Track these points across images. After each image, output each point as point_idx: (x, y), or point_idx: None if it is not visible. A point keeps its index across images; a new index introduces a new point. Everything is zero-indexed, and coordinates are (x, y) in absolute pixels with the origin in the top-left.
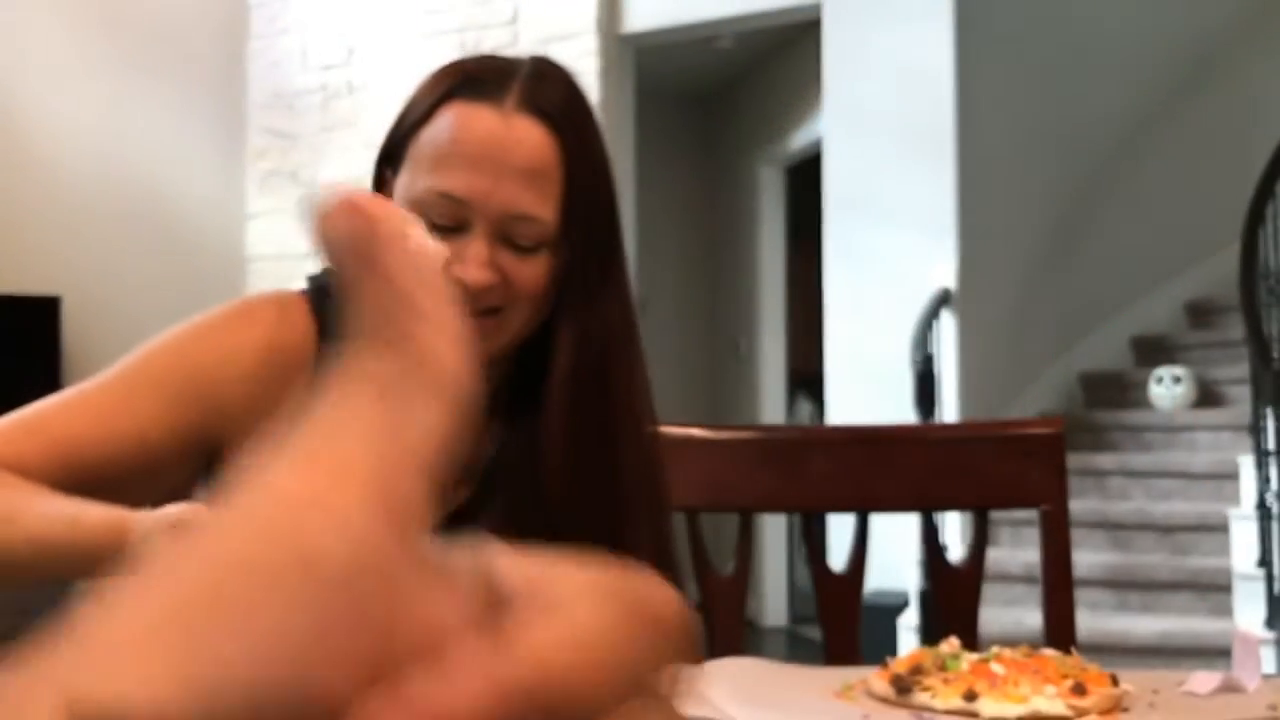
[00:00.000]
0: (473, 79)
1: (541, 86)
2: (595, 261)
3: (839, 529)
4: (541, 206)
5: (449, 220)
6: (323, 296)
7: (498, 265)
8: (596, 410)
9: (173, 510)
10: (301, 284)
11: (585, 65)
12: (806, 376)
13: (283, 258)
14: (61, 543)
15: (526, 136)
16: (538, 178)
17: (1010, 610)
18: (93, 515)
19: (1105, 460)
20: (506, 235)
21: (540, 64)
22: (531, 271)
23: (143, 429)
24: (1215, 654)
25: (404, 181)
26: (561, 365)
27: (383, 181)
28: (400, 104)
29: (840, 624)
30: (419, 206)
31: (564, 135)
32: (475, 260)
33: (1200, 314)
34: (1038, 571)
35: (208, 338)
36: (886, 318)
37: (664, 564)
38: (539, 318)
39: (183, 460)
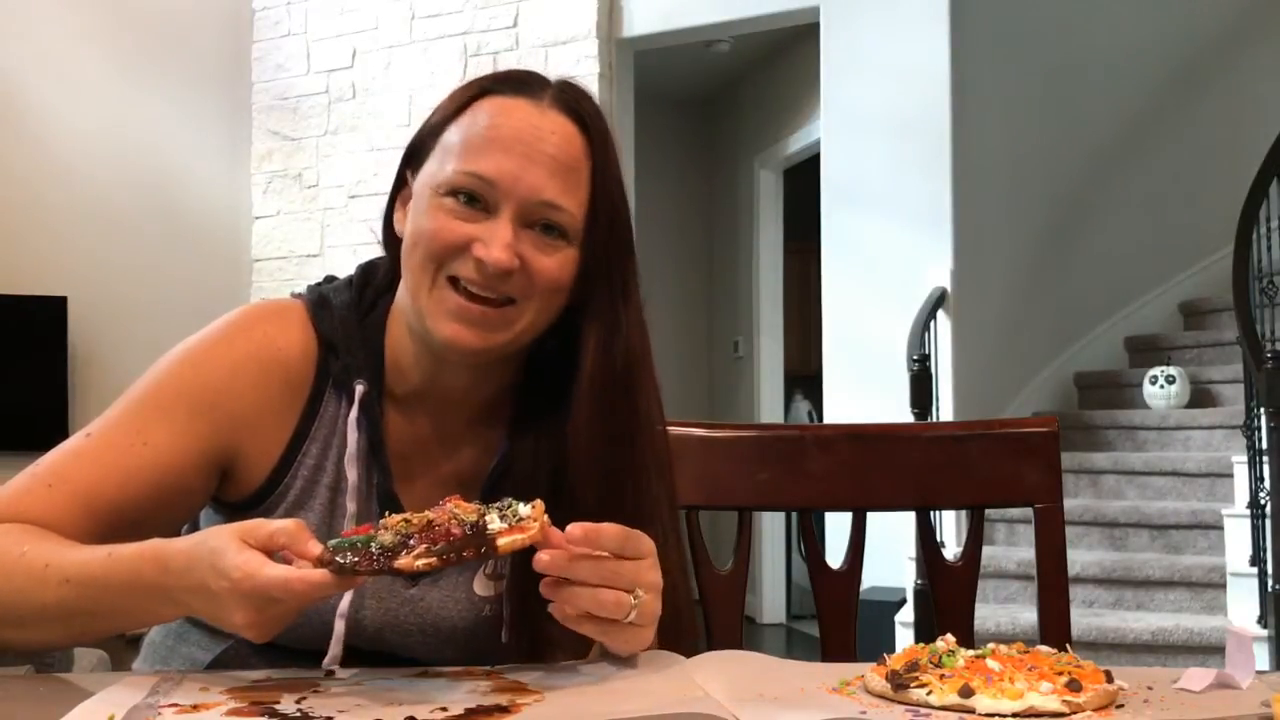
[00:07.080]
0: (506, 79)
1: (574, 92)
2: (618, 267)
3: (836, 526)
4: (568, 198)
5: (477, 201)
6: (320, 304)
7: (519, 251)
8: (620, 412)
9: (218, 539)
10: (299, 290)
11: (585, 69)
12: (804, 376)
13: (287, 259)
14: (101, 576)
15: (560, 128)
16: (567, 169)
17: (1006, 607)
18: (127, 547)
19: (1100, 459)
20: (531, 222)
21: (566, 80)
22: (551, 263)
23: (161, 461)
24: (1209, 651)
25: (430, 169)
26: (591, 369)
27: (402, 183)
28: (401, 105)
29: (837, 620)
30: (447, 188)
31: (593, 137)
32: (499, 242)
33: (1194, 315)
34: (1033, 569)
35: (212, 353)
36: (883, 318)
37: (673, 557)
38: (549, 316)
39: (204, 477)
